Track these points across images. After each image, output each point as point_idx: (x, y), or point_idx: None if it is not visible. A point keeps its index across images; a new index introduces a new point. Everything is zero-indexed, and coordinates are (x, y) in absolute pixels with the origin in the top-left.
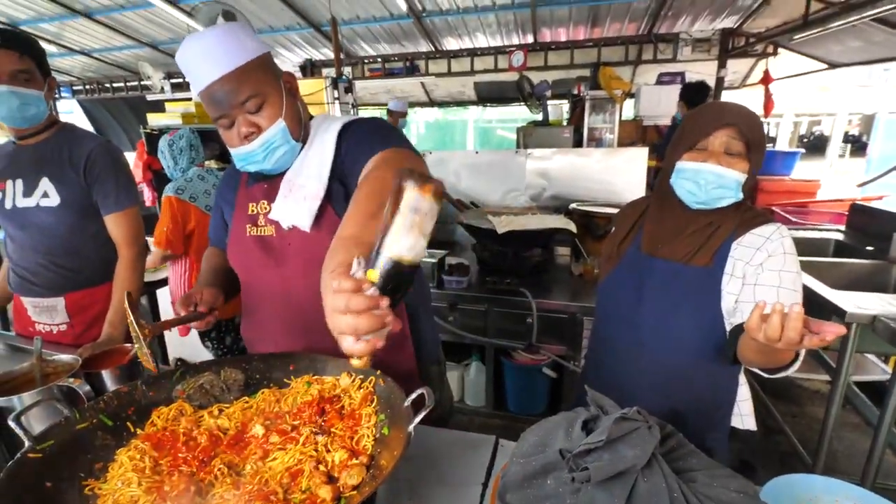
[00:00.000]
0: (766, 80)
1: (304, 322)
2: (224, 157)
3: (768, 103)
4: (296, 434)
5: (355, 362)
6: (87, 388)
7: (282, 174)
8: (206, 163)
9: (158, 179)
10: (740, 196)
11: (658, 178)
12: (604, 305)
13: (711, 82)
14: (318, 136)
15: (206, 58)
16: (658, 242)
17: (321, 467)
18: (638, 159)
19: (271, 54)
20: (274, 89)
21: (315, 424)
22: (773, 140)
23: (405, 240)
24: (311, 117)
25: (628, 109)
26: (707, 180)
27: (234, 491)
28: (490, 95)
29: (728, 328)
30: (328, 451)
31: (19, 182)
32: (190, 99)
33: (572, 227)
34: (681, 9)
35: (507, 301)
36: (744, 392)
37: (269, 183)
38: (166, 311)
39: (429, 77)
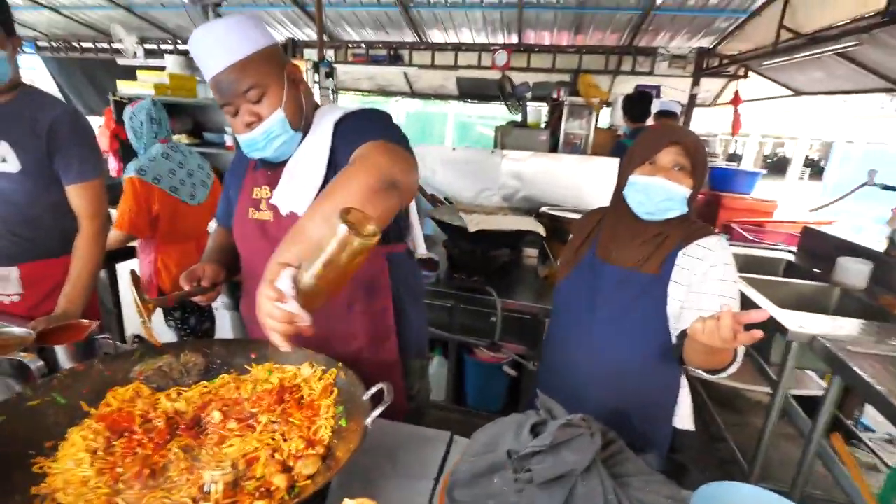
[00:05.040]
0: (736, 100)
1: None
2: (197, 132)
3: (736, 123)
4: (254, 422)
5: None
6: (41, 363)
7: (285, 162)
8: (176, 137)
9: (126, 150)
10: (686, 209)
11: (614, 190)
12: (559, 307)
13: (685, 98)
14: (318, 126)
15: (214, 48)
16: (612, 249)
17: (277, 456)
18: (610, 169)
19: (277, 46)
20: (275, 80)
21: (274, 413)
22: (739, 158)
23: (316, 272)
24: (318, 106)
25: (605, 118)
26: (656, 193)
27: (189, 475)
28: (471, 91)
29: (673, 332)
30: (285, 440)
31: None
32: (164, 68)
33: (541, 229)
34: (661, 25)
35: (473, 298)
36: (684, 395)
37: (272, 170)
38: (125, 289)
39: (412, 68)
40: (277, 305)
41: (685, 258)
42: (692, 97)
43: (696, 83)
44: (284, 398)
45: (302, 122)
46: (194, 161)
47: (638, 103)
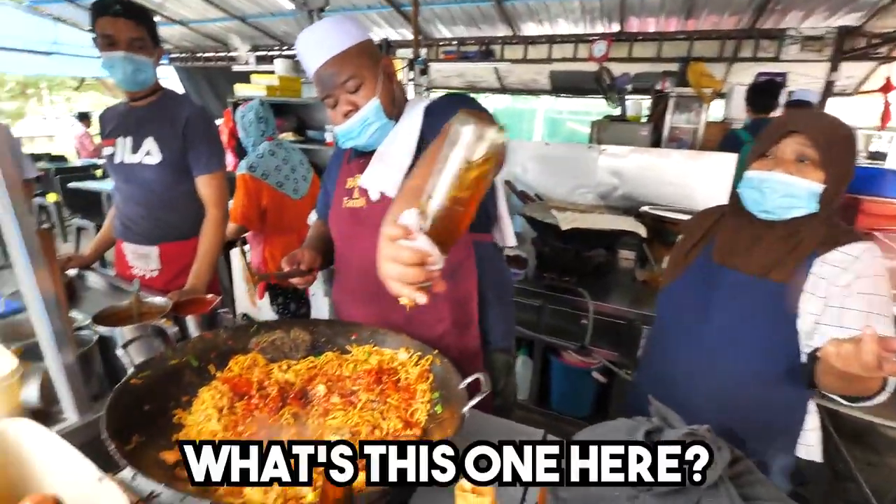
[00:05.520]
0: (888, 87)
1: (380, 291)
2: (301, 130)
3: (886, 114)
4: (355, 399)
5: (403, 301)
6: (176, 329)
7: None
8: (283, 135)
9: (241, 147)
10: (815, 207)
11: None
12: (664, 314)
13: (819, 86)
14: (408, 114)
15: (316, 45)
16: (732, 253)
17: (377, 432)
18: (724, 165)
19: (372, 41)
20: (371, 71)
21: (373, 393)
22: (884, 157)
23: (447, 188)
24: (407, 100)
25: (716, 110)
26: (772, 188)
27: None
28: (565, 85)
29: (804, 349)
30: (383, 418)
31: (128, 140)
32: (273, 72)
33: (642, 230)
34: (792, 2)
35: (563, 299)
36: (811, 421)
37: (365, 159)
38: (237, 268)
39: (503, 63)
40: (403, 244)
41: (823, 266)
42: (828, 85)
43: (834, 68)
44: (382, 379)
45: (395, 110)
46: (296, 157)
47: (764, 93)
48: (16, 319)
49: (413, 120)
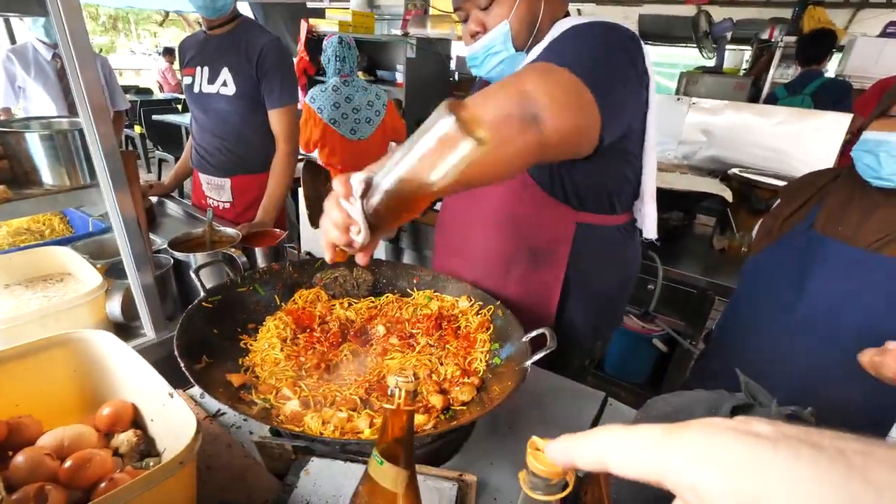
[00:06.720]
0: None
1: (459, 243)
2: (371, 69)
3: None
4: (414, 342)
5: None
6: (245, 259)
7: None
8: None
9: (311, 84)
10: None
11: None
12: (750, 285)
13: None
14: (539, 46)
15: None
16: (839, 222)
17: (434, 377)
18: (835, 127)
19: None
20: None
21: (432, 338)
22: None
23: (403, 173)
24: (562, 17)
25: (830, 65)
26: (889, 153)
27: (356, 377)
28: (655, 31)
29: None
30: (441, 364)
31: (206, 69)
32: (348, 8)
33: (728, 194)
34: None
35: None
36: None
37: None
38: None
39: (588, 3)
40: (339, 203)
41: None
42: None
43: None
44: (442, 325)
45: (530, 39)
46: (363, 98)
47: (815, 42)
48: (103, 238)
49: (535, 55)
